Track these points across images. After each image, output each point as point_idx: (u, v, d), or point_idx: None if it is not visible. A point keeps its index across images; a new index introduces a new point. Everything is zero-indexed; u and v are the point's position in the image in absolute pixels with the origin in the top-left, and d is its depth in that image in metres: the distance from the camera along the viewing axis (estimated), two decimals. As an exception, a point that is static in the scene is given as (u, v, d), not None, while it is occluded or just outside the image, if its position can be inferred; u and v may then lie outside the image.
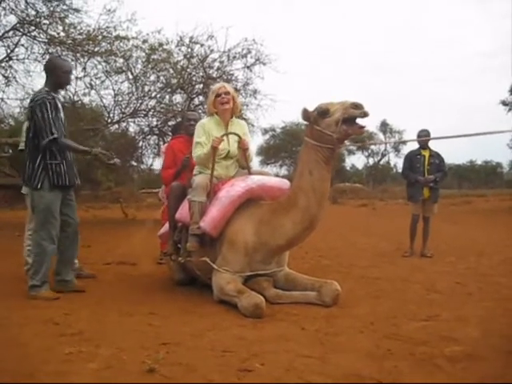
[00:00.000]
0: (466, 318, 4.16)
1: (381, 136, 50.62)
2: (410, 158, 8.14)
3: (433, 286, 5.51)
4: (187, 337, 3.66)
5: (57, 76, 5.17)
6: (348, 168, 53.48)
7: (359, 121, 4.40)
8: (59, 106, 5.15)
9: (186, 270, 5.49)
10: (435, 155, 8.08)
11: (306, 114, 4.61)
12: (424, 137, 7.94)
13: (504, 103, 24.01)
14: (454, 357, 3.19)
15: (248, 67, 14.14)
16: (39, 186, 5.01)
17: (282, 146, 42.06)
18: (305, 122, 4.80)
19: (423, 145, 8.07)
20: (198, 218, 4.82)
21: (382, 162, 52.15)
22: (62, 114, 5.16)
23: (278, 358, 3.22)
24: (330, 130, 4.40)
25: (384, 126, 49.89)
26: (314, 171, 4.53)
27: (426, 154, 8.02)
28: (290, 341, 3.56)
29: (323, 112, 4.46)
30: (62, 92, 13.62)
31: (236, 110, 5.25)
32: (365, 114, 4.35)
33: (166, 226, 5.63)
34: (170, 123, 15.23)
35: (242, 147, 5.12)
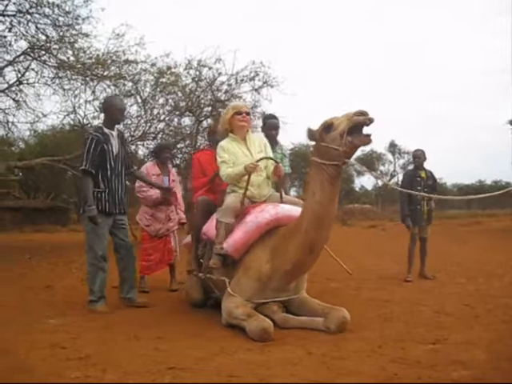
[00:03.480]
0: (475, 340, 4.12)
1: (389, 157, 50.65)
2: (410, 180, 8.11)
3: (442, 309, 5.47)
4: (194, 361, 3.64)
5: (112, 113, 5.72)
6: (357, 189, 53.46)
7: (365, 130, 4.19)
8: (111, 140, 5.64)
9: (205, 290, 5.53)
10: (430, 176, 8.16)
11: (310, 132, 4.48)
12: (418, 156, 8.12)
13: (511, 123, 23.91)
14: (461, 381, 3.17)
15: (256, 90, 14.18)
16: (81, 211, 5.56)
17: (291, 168, 41.93)
18: (312, 143, 4.71)
19: (418, 165, 8.12)
20: (223, 238, 4.80)
21: (391, 183, 51.98)
22: (113, 148, 5.63)
23: (284, 382, 3.21)
24: (336, 144, 4.19)
25: (393, 147, 49.91)
26: (317, 193, 4.36)
27: (424, 175, 8.06)
28: (297, 365, 3.54)
29: (328, 126, 4.30)
30: (72, 115, 13.88)
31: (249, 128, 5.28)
32: (370, 120, 4.12)
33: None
34: (178, 145, 15.33)
35: (276, 174, 5.06)
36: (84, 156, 5.48)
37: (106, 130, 5.62)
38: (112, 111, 5.71)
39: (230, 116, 5.16)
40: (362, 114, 4.12)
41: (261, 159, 4.99)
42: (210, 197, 5.48)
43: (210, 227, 5.14)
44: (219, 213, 4.95)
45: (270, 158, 5.13)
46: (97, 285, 5.50)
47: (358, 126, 4.15)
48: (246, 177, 4.91)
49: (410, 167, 8.47)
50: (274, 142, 6.35)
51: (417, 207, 7.92)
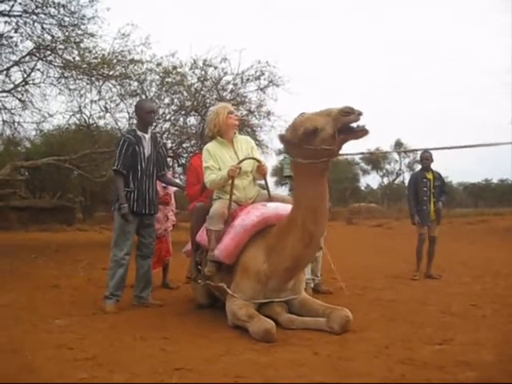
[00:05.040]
0: (481, 341, 4.10)
1: (395, 156, 50.61)
2: (416, 181, 8.17)
3: (448, 309, 5.45)
4: (200, 362, 3.64)
5: (141, 116, 5.94)
6: (363, 188, 53.36)
7: (359, 122, 4.07)
8: (143, 142, 5.82)
9: (210, 295, 5.52)
10: (438, 177, 8.18)
11: (284, 138, 4.46)
12: (426, 157, 8.15)
13: (516, 122, 23.84)
14: (468, 382, 3.16)
15: (261, 89, 14.16)
16: (113, 208, 5.77)
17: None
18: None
19: (426, 167, 8.15)
20: (215, 245, 4.82)
21: (396, 182, 51.97)
22: (145, 150, 5.81)
23: (291, 383, 3.21)
24: (327, 144, 4.10)
25: (398, 146, 49.79)
26: (309, 188, 4.34)
27: (431, 176, 8.08)
28: (303, 366, 3.53)
29: (312, 132, 4.16)
30: (77, 115, 13.93)
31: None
32: (359, 115, 4.00)
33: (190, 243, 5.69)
34: (184, 145, 15.33)
35: (261, 173, 5.12)
36: (116, 157, 5.71)
37: (138, 133, 5.82)
38: (141, 114, 5.90)
39: (225, 116, 5.13)
40: (349, 112, 4.01)
41: (242, 161, 4.99)
42: (207, 203, 5.39)
43: (202, 235, 5.17)
44: (207, 221, 4.98)
45: (252, 159, 5.11)
46: (114, 281, 5.62)
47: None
48: (230, 181, 4.93)
49: (418, 168, 8.49)
50: None
51: (423, 208, 7.94)
